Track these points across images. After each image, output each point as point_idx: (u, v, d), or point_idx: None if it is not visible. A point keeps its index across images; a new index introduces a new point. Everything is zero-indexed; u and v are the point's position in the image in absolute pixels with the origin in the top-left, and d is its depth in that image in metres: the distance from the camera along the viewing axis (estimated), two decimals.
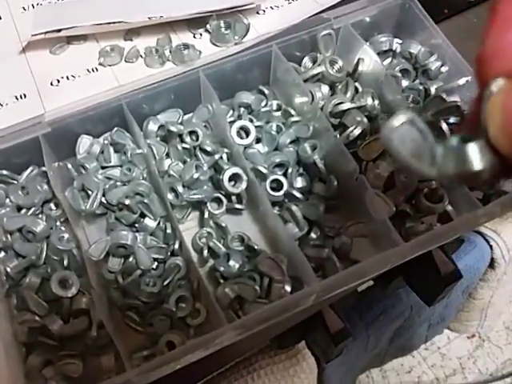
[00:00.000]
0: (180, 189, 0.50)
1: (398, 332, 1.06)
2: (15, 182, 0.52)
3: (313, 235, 0.51)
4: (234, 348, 0.56)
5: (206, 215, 0.52)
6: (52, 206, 0.52)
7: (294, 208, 0.50)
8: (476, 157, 0.20)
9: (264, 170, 0.51)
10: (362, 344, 0.96)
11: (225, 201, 0.52)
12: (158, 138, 0.55)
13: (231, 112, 0.58)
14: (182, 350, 0.42)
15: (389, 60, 0.62)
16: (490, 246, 0.98)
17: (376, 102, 0.55)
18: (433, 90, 0.57)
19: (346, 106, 0.54)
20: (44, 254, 0.48)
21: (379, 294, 0.92)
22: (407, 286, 0.74)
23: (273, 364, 0.80)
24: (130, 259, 0.48)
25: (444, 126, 0.53)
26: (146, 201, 0.49)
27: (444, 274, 0.65)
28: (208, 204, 0.52)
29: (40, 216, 0.50)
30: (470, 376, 1.58)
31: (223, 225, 0.51)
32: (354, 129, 0.52)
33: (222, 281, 0.48)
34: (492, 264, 1.01)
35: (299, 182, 0.53)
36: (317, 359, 0.82)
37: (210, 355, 0.46)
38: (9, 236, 0.48)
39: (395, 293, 0.93)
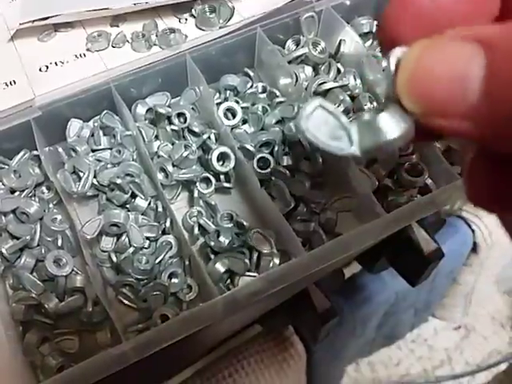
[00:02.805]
0: (170, 168, 0.51)
1: (384, 318, 1.07)
2: (7, 166, 0.53)
3: (299, 211, 0.53)
4: (221, 328, 0.58)
5: (196, 194, 0.53)
6: (44, 188, 0.53)
7: (280, 184, 0.51)
8: (388, 125, 0.20)
9: (251, 149, 0.53)
10: (349, 330, 0.97)
11: (213, 180, 0.53)
12: (147, 121, 0.56)
13: (217, 95, 0.59)
14: (175, 321, 0.44)
15: (369, 41, 0.63)
16: (472, 231, 1.00)
17: (358, 81, 0.57)
18: None
19: (329, 85, 0.56)
20: (38, 235, 0.49)
21: (365, 280, 0.94)
22: (391, 267, 0.76)
23: (262, 352, 0.81)
24: (123, 238, 0.49)
25: None
26: (136, 181, 0.50)
27: (426, 252, 0.67)
28: (197, 183, 0.53)
29: (33, 198, 0.51)
30: (457, 367, 1.60)
31: (212, 203, 0.52)
32: (337, 107, 0.54)
33: (212, 256, 0.49)
34: (474, 248, 1.03)
35: (285, 160, 0.54)
36: (305, 345, 0.84)
37: (196, 336, 0.48)
38: (3, 218, 0.49)
39: (380, 278, 0.95)
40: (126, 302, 0.48)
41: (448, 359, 1.63)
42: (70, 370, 0.42)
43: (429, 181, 0.53)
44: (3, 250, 0.47)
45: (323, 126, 0.21)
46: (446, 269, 1.03)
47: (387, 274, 0.92)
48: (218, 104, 0.56)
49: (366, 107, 0.56)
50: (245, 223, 0.51)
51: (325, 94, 0.57)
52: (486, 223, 0.99)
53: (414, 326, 1.40)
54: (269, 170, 0.52)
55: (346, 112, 0.55)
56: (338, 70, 0.59)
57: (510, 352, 1.60)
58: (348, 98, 0.55)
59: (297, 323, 0.79)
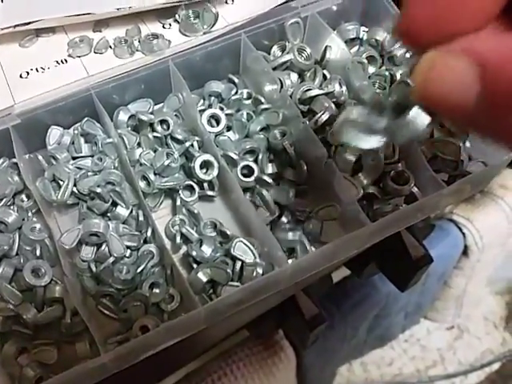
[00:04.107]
0: (152, 176, 0.51)
1: (375, 321, 1.07)
2: None
3: (284, 219, 0.52)
4: (209, 334, 0.57)
5: (179, 203, 0.52)
6: (23, 197, 0.52)
7: (264, 193, 0.51)
8: (415, 122, 0.24)
9: (235, 157, 0.52)
10: (340, 334, 0.97)
11: (197, 188, 0.53)
12: (129, 128, 0.55)
13: (202, 101, 0.58)
14: (156, 332, 0.43)
15: (356, 48, 0.63)
16: (463, 234, 1.00)
17: (344, 88, 0.57)
18: (398, 75, 0.58)
19: (314, 92, 0.55)
20: (16, 244, 0.48)
21: (355, 283, 0.94)
22: (381, 272, 0.76)
23: (251, 355, 0.81)
24: (103, 247, 0.48)
25: None
26: (117, 189, 0.50)
27: (415, 258, 0.67)
28: (180, 192, 0.52)
29: (11, 207, 0.50)
30: (450, 367, 1.61)
31: (196, 212, 0.52)
32: (322, 114, 0.53)
33: (195, 265, 0.48)
34: (465, 251, 1.03)
35: (270, 168, 0.54)
36: (295, 349, 0.83)
37: (184, 342, 0.47)
38: None
39: (371, 282, 0.95)
40: (106, 312, 0.48)
41: (441, 359, 1.63)
42: (48, 381, 0.41)
43: (415, 189, 0.53)
44: None
45: (355, 132, 0.26)
46: (436, 272, 1.03)
47: (377, 278, 0.92)
48: (202, 111, 0.55)
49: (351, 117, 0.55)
50: (228, 232, 0.50)
51: (310, 101, 0.56)
52: (477, 227, 0.99)
53: (405, 328, 1.40)
54: (253, 178, 0.52)
55: (331, 120, 0.55)
56: (324, 77, 0.58)
57: (502, 352, 1.60)
58: (333, 105, 0.55)
59: (286, 329, 0.79)
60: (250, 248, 0.48)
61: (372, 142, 0.26)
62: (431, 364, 1.62)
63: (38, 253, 0.48)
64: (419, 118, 0.24)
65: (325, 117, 0.53)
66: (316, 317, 0.66)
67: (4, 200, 0.50)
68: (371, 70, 0.60)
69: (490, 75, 0.19)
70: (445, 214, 1.02)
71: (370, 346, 1.32)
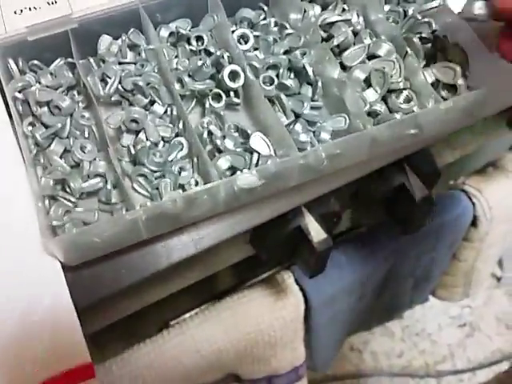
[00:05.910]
0: (186, 79, 0.58)
1: (383, 283, 1.11)
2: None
3: (298, 127, 0.59)
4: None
5: (207, 106, 0.60)
6: (75, 92, 0.60)
7: (283, 97, 0.58)
8: None
9: (259, 66, 0.59)
10: (349, 287, 1.01)
11: (224, 96, 0.60)
12: (169, 44, 0.63)
13: (234, 26, 0.66)
14: (181, 200, 0.50)
15: None
16: (473, 204, 1.04)
17: (360, 18, 0.63)
18: (410, 11, 0.64)
19: (334, 18, 0.62)
20: (68, 127, 0.56)
21: (364, 238, 0.98)
22: (386, 214, 0.80)
23: (262, 298, 0.86)
24: (141, 134, 0.56)
25: (416, 40, 0.61)
26: (156, 87, 0.57)
27: (418, 198, 0.71)
28: (209, 97, 0.60)
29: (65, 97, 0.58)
30: (458, 363, 1.64)
31: (222, 114, 0.59)
32: (339, 36, 0.60)
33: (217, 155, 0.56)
34: (474, 222, 1.06)
35: (289, 83, 0.61)
36: (304, 295, 0.88)
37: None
38: (38, 108, 0.56)
39: (379, 238, 0.98)
40: (141, 190, 0.55)
41: (450, 355, 1.65)
42: (84, 227, 0.49)
43: (416, 108, 0.59)
44: (37, 135, 0.55)
45: None
46: (446, 239, 1.07)
47: (386, 234, 0.97)
48: (233, 32, 0.62)
49: (365, 41, 0.62)
50: (249, 131, 0.57)
51: (329, 27, 0.63)
52: (487, 198, 1.03)
53: (413, 301, 1.40)
54: (274, 86, 0.59)
55: (347, 45, 0.62)
56: (344, 10, 0.65)
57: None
58: (350, 31, 0.61)
59: (294, 259, 0.84)
60: (266, 143, 0.55)
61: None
62: (440, 359, 1.65)
63: (86, 135, 0.56)
64: None
65: (341, 38, 0.60)
66: (324, 241, 0.71)
67: (60, 89, 0.58)
68: (387, 7, 0.66)
69: None
70: (457, 185, 1.07)
71: (378, 317, 1.32)
